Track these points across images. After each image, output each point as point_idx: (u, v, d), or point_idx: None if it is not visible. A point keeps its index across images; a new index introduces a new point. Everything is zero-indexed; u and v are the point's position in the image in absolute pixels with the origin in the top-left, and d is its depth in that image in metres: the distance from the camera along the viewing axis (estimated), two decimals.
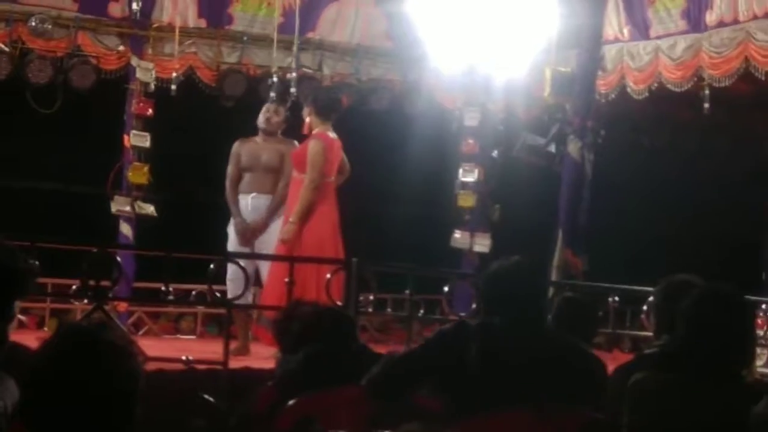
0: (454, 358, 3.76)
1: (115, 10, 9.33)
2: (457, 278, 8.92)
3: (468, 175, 10.44)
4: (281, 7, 9.70)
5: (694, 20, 9.02)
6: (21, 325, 8.58)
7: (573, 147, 9.22)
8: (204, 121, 9.97)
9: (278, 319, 5.27)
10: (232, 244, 8.13)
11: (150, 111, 9.35)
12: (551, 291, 7.41)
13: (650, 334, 4.70)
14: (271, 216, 8.12)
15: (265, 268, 7.95)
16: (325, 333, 4.59)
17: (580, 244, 9.09)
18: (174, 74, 9.47)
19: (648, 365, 3.58)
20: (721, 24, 8.80)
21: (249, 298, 8.01)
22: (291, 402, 4.14)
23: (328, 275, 7.08)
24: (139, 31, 9.41)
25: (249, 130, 8.36)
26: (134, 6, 9.25)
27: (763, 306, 7.92)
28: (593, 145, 9.37)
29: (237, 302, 7.35)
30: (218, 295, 7.57)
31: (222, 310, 7.90)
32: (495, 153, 10.46)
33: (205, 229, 8.88)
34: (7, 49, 8.89)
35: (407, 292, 7.54)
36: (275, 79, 9.48)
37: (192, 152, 10.06)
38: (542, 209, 9.74)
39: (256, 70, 9.74)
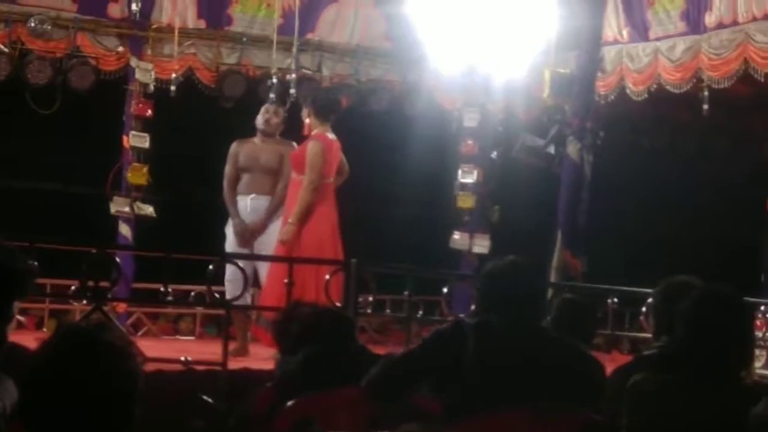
0: (451, 357, 3.75)
1: (115, 10, 9.33)
2: (456, 279, 8.92)
3: (467, 176, 10.44)
4: (281, 8, 9.70)
5: (694, 22, 9.02)
6: (20, 325, 8.56)
7: (572, 148, 9.23)
8: (203, 122, 9.96)
9: (277, 320, 5.28)
10: (231, 244, 8.13)
11: (149, 112, 9.35)
12: (550, 292, 7.43)
13: (649, 335, 4.70)
14: (270, 217, 8.12)
15: (263, 269, 7.94)
16: (324, 334, 4.59)
17: (579, 246, 9.09)
18: (173, 75, 9.47)
19: (647, 366, 3.58)
20: (720, 25, 8.79)
21: (248, 299, 8.02)
22: (290, 403, 4.13)
23: (327, 276, 7.07)
24: (139, 32, 9.41)
25: (248, 131, 8.35)
26: (133, 7, 9.24)
27: (762, 307, 7.89)
28: (592, 147, 9.38)
29: (236, 303, 7.35)
30: (217, 296, 7.55)
31: (221, 311, 7.91)
32: (494, 154, 10.46)
33: (204, 229, 8.88)
34: (6, 49, 8.89)
35: (406, 293, 7.54)
36: (274, 80, 9.48)
37: (191, 153, 10.04)
38: (541, 210, 9.74)
39: (256, 71, 9.73)
